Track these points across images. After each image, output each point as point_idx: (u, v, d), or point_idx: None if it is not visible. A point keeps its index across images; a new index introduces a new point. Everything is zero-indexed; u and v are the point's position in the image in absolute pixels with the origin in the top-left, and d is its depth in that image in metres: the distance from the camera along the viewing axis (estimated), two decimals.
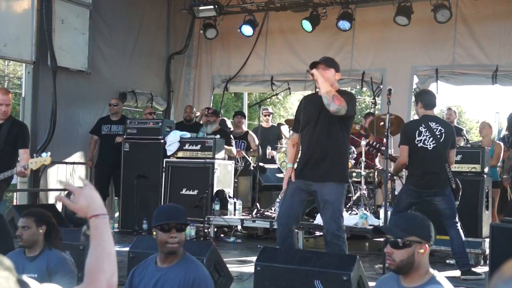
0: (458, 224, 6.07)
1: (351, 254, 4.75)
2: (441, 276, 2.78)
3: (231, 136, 9.54)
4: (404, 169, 6.60)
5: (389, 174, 7.10)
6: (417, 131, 6.10)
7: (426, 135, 6.09)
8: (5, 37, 8.52)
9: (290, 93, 12.56)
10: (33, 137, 8.99)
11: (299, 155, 5.57)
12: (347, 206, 7.91)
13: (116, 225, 9.14)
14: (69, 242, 5.52)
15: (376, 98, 9.50)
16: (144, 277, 3.59)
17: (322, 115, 5.29)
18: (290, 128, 8.89)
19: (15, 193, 10.08)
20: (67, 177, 9.60)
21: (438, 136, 6.11)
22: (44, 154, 5.77)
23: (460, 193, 6.31)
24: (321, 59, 5.43)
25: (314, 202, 5.63)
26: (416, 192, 6.16)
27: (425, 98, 6.25)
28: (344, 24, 10.09)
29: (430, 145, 6.10)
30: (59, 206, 8.85)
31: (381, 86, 10.22)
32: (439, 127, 6.15)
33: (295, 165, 5.54)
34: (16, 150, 5.96)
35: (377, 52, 10.46)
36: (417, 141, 6.09)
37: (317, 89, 5.32)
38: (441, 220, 6.00)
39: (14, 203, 13.82)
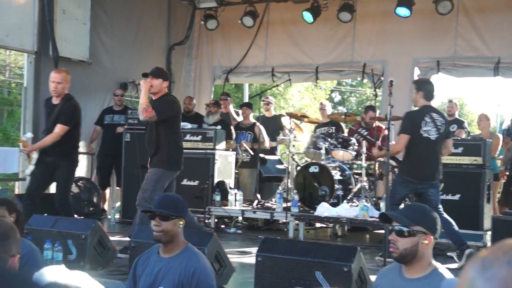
0: (442, 211, 6.22)
1: (352, 246, 4.76)
2: (443, 268, 2.79)
3: (232, 128, 9.54)
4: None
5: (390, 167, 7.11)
6: (423, 121, 6.11)
7: (430, 126, 6.11)
8: (7, 27, 8.52)
9: (290, 85, 12.56)
10: (35, 126, 9.03)
11: None
12: (348, 198, 7.93)
13: (117, 216, 9.17)
14: (73, 231, 5.56)
15: (377, 90, 9.49)
16: (147, 266, 3.62)
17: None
18: (291, 120, 8.90)
19: (16, 182, 10.10)
20: None
21: (439, 127, 6.13)
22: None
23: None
24: (151, 70, 6.38)
25: None
26: (412, 184, 6.19)
27: (428, 89, 6.25)
28: (345, 16, 10.06)
29: (432, 136, 6.12)
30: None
31: (382, 78, 10.21)
32: (440, 118, 6.18)
33: None
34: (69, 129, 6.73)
35: (378, 43, 10.43)
36: (422, 131, 6.10)
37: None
38: None
39: (16, 192, 13.87)
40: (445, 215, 6.20)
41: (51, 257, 5.32)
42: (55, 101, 6.84)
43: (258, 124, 9.68)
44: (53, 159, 6.76)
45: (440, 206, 6.27)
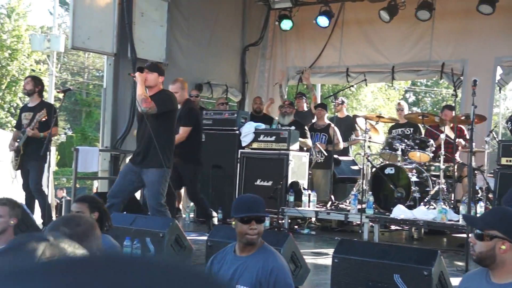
0: None
1: (432, 249, 4.64)
2: None
3: (306, 128, 9.50)
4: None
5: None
6: None
7: None
8: (89, 30, 8.79)
9: (366, 85, 12.40)
10: (114, 127, 9.27)
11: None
12: (425, 200, 7.75)
13: (191, 215, 9.29)
14: (151, 229, 5.67)
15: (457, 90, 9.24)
16: (223, 265, 3.64)
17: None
18: (367, 121, 8.78)
19: (95, 181, 10.39)
20: None
21: None
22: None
23: None
24: (146, 64, 6.53)
25: None
26: None
27: None
28: (423, 14, 9.85)
29: None
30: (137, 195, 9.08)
31: (462, 78, 9.93)
32: None
33: None
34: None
35: (458, 42, 10.16)
36: None
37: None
38: None
39: (94, 191, 14.31)
40: None
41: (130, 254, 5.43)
42: None
43: (332, 125, 9.60)
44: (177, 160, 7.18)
45: None
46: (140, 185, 6.73)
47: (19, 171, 8.10)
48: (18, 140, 7.79)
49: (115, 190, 6.51)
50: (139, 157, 6.47)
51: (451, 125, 7.89)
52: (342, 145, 9.59)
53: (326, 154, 9.21)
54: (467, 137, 8.45)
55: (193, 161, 7.67)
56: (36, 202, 7.84)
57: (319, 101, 16.21)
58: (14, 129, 8.24)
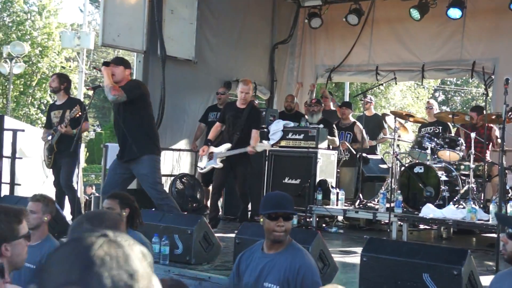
0: None
1: (462, 248, 4.59)
2: None
3: (334, 126, 9.47)
4: None
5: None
6: None
7: None
8: (119, 27, 8.86)
9: (396, 83, 12.32)
10: None
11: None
12: (454, 199, 7.68)
13: (219, 212, 9.32)
14: (179, 226, 5.70)
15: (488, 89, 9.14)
16: (251, 262, 3.65)
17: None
18: (396, 119, 8.72)
19: None
20: (173, 164, 9.89)
21: None
22: (265, 142, 7.90)
23: None
24: (112, 59, 6.88)
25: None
26: None
27: None
28: (455, 13, 9.74)
29: None
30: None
31: (493, 77, 9.81)
32: None
33: None
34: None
35: (489, 40, 10.03)
36: None
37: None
38: None
39: None
40: None
41: (159, 250, 5.47)
42: (240, 105, 7.89)
43: (358, 123, 9.56)
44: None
45: None
46: (131, 176, 6.97)
47: (51, 170, 8.21)
48: (50, 138, 7.88)
49: (106, 187, 6.73)
50: (123, 153, 6.72)
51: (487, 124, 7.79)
52: (368, 143, 9.54)
53: (354, 152, 9.17)
54: (496, 135, 8.35)
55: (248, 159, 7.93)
56: (66, 198, 7.94)
57: (347, 99, 16.14)
58: (44, 128, 8.30)
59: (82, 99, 16.95)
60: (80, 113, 7.52)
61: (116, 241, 1.16)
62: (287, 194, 3.75)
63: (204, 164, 8.00)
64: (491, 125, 8.32)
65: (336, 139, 9.22)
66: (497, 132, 8.40)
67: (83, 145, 11.00)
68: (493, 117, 7.83)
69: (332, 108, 10.76)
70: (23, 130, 8.57)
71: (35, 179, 8.06)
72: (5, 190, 8.09)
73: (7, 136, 8.20)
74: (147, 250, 1.21)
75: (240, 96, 7.87)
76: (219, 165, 7.82)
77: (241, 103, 7.90)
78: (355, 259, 5.03)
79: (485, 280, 4.41)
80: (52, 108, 8.26)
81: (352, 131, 9.73)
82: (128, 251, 1.15)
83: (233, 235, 5.67)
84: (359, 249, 4.68)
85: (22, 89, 25.34)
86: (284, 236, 3.52)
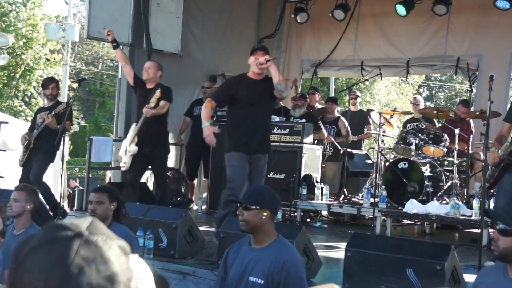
0: None
1: (445, 244, 4.63)
2: None
3: (319, 119, 9.50)
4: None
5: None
6: None
7: None
8: (105, 20, 8.81)
9: (381, 79, 12.34)
10: (127, 117, 9.30)
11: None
12: (438, 195, 7.73)
13: (204, 206, 9.32)
14: (164, 220, 5.69)
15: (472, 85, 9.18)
16: (238, 256, 3.66)
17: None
18: (381, 115, 8.75)
19: (108, 171, 10.44)
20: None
21: None
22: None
23: None
24: (263, 46, 6.58)
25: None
26: None
27: None
28: (441, 9, 9.78)
29: None
30: (150, 185, 9.12)
31: (477, 73, 9.88)
32: None
33: None
34: None
35: (474, 37, 10.08)
36: None
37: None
38: None
39: (107, 181, 14.34)
40: None
41: (143, 244, 5.46)
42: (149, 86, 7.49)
43: (342, 118, 9.59)
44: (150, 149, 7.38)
45: None
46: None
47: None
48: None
49: (240, 184, 6.14)
50: (257, 145, 6.35)
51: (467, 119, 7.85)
52: (351, 137, 9.59)
53: (338, 146, 9.21)
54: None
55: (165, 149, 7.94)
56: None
57: (332, 94, 16.15)
58: (28, 131, 8.04)
59: (66, 92, 16.82)
60: (63, 110, 7.46)
61: (92, 242, 1.11)
62: (266, 188, 3.79)
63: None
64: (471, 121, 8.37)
65: (324, 131, 9.26)
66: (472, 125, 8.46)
67: (67, 138, 10.89)
68: (477, 113, 7.89)
69: (318, 105, 10.75)
70: (6, 123, 8.50)
71: (18, 171, 7.98)
72: None
73: None
74: (125, 242, 1.17)
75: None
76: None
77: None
78: (339, 254, 5.05)
79: (468, 275, 4.46)
80: (40, 111, 8.17)
81: (336, 125, 9.78)
82: (105, 253, 1.11)
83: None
84: (343, 244, 4.71)
85: (5, 81, 25.11)
86: (244, 225, 3.55)
